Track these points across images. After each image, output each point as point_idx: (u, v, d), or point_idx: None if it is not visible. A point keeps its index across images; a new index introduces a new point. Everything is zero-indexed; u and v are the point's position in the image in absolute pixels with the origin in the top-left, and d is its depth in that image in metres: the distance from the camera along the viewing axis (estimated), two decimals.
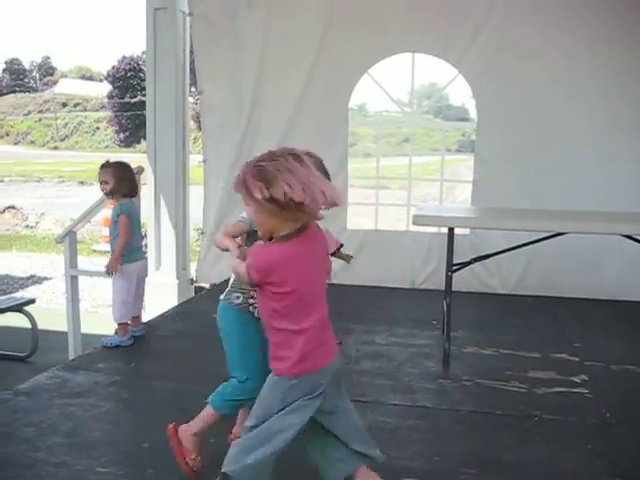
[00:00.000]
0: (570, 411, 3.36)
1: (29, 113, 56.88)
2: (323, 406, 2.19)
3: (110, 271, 4.33)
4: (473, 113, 6.28)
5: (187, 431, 2.59)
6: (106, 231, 12.24)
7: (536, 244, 4.26)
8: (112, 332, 4.60)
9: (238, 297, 2.55)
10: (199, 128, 6.72)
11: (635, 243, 4.04)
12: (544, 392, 3.63)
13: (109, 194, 4.34)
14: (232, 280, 2.58)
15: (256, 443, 2.15)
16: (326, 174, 2.50)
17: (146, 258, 4.61)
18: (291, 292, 2.08)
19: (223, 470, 2.18)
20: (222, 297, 2.61)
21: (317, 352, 2.15)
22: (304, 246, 2.11)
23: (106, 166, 4.36)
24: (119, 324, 4.34)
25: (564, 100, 5.76)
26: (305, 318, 2.12)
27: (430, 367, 4.01)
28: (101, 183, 4.33)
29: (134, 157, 28.52)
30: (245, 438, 2.20)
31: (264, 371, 2.28)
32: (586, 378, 3.85)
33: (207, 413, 2.60)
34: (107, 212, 11.40)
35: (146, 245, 6.56)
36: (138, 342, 4.47)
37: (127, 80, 49.82)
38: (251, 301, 2.52)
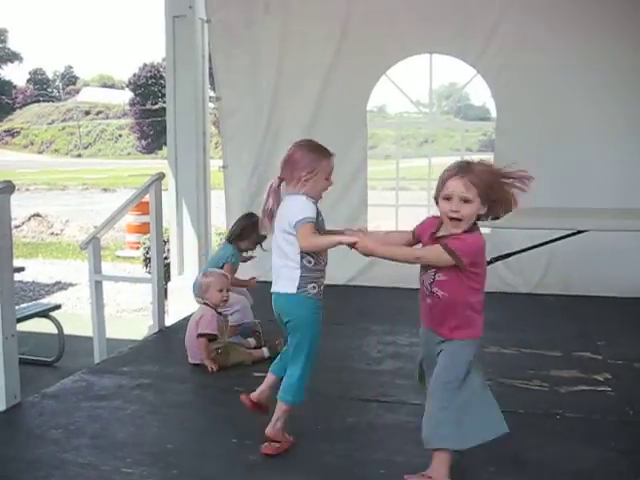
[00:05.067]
0: (593, 409, 3.35)
1: (52, 122, 57.64)
2: None
3: None
4: (494, 112, 6.25)
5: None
6: (130, 237, 12.41)
7: (558, 242, 4.25)
8: (135, 336, 4.67)
9: (314, 287, 2.76)
10: (219, 133, 6.76)
11: None
12: (566, 391, 3.62)
13: None
14: (301, 274, 2.73)
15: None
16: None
17: None
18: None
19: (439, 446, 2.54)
20: (293, 291, 2.74)
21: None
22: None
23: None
24: None
25: (584, 98, 5.72)
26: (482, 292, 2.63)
27: None
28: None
29: (156, 163, 28.73)
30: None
31: None
32: (609, 376, 3.83)
33: (281, 410, 2.81)
34: (130, 219, 11.58)
35: (169, 250, 6.64)
36: (161, 346, 4.53)
37: (148, 87, 50.27)
38: (319, 286, 2.79)
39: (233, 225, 4.80)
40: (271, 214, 2.79)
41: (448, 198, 2.50)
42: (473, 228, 2.55)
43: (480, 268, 2.58)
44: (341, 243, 2.63)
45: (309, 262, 2.73)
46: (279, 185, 2.80)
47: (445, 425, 2.50)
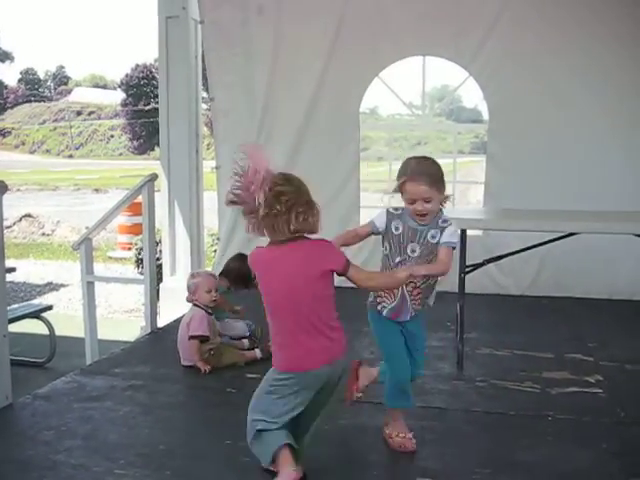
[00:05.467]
0: (584, 411, 3.36)
1: (44, 122, 57.42)
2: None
3: None
4: (486, 115, 6.27)
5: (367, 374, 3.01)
6: (121, 238, 12.38)
7: (549, 244, 4.26)
8: (128, 337, 4.66)
9: (370, 296, 2.87)
10: (212, 134, 6.76)
11: None
12: (558, 392, 3.63)
13: None
14: None
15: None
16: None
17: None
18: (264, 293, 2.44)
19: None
20: None
21: (299, 355, 2.41)
22: (280, 254, 2.39)
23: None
24: None
25: (576, 101, 5.75)
26: (278, 320, 2.44)
27: (444, 368, 4.02)
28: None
29: (148, 164, 28.66)
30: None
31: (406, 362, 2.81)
32: (600, 378, 3.84)
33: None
34: (122, 219, 11.55)
35: (161, 251, 6.63)
36: (154, 347, 4.52)
37: (140, 88, 50.13)
38: (378, 300, 2.83)
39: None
40: None
41: None
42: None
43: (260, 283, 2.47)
44: None
45: None
46: None
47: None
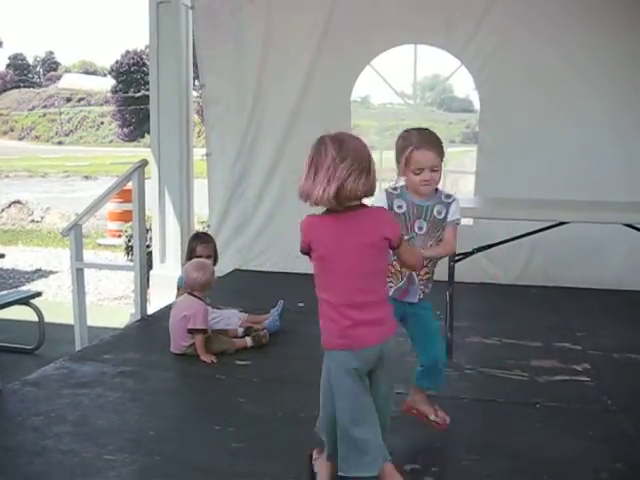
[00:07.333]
0: (572, 398, 3.39)
1: (33, 108, 56.91)
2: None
3: None
4: (477, 104, 6.27)
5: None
6: (111, 225, 12.33)
7: (539, 234, 4.27)
8: (117, 324, 4.64)
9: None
10: (202, 121, 6.73)
11: (637, 232, 4.05)
12: (546, 380, 3.66)
13: None
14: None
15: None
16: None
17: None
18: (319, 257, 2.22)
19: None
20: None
21: (351, 330, 2.20)
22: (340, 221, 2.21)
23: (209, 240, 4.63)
24: None
25: (567, 90, 5.75)
26: (330, 289, 2.21)
27: None
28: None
29: (138, 151, 28.53)
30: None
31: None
32: (588, 366, 3.88)
33: None
34: (111, 206, 11.49)
35: (151, 239, 6.62)
36: (143, 334, 4.52)
37: (131, 74, 49.77)
38: (390, 285, 2.73)
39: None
40: None
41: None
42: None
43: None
44: None
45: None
46: None
47: None
